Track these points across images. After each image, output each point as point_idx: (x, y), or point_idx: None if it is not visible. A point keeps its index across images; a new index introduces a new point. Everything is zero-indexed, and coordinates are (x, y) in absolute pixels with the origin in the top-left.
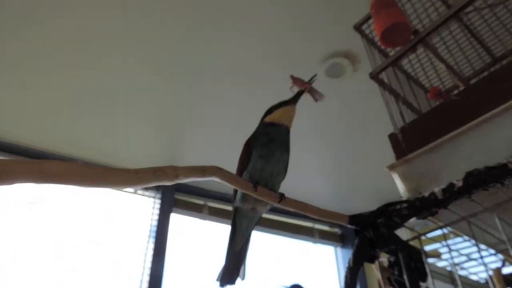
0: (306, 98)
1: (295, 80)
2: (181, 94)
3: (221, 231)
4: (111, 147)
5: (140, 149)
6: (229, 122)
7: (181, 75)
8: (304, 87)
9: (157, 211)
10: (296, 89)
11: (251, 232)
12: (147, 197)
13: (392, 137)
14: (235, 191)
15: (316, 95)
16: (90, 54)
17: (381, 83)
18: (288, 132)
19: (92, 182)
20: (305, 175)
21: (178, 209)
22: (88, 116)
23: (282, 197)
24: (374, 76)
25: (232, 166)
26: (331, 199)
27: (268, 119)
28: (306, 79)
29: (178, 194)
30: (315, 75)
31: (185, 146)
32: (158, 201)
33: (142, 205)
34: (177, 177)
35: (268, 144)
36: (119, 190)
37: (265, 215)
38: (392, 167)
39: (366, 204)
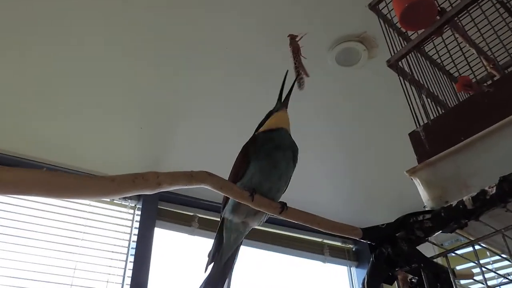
0: (310, 91)
1: (293, 38)
2: (166, 85)
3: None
4: (84, 150)
5: (118, 152)
6: (223, 120)
7: (166, 62)
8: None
9: (137, 224)
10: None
11: (239, 246)
12: (126, 208)
13: (413, 136)
14: (225, 199)
15: (302, 72)
16: (64, 38)
17: (401, 72)
18: (289, 134)
19: (60, 192)
20: (313, 182)
21: (162, 222)
22: (57, 114)
23: (284, 207)
24: (393, 64)
25: (225, 171)
26: (344, 210)
27: (263, 128)
28: (314, 68)
29: (163, 203)
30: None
31: (171, 148)
32: (139, 212)
33: (120, 217)
34: (159, 184)
35: (273, 153)
36: (92, 201)
37: (266, 228)
38: (413, 172)
39: (385, 215)
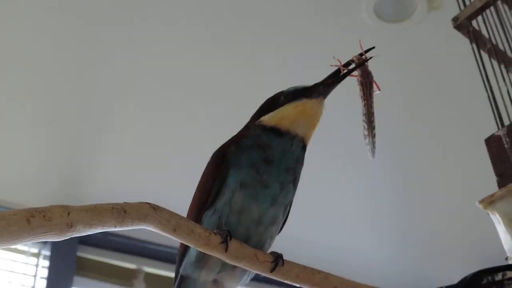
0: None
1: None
2: (89, 66)
3: None
4: None
5: (18, 174)
6: (180, 121)
7: (90, 28)
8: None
9: (43, 283)
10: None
11: None
12: (24, 255)
13: (492, 143)
14: (184, 246)
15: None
16: None
17: (475, 37)
18: (303, 148)
19: None
20: (344, 218)
21: (85, 279)
22: None
23: (277, 261)
24: (462, 24)
25: (182, 202)
26: (392, 262)
27: (268, 119)
28: (341, 25)
29: (85, 249)
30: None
31: (94, 168)
32: (46, 262)
33: (15, 271)
34: (70, 227)
35: (262, 165)
36: None
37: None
38: (489, 202)
39: (452, 270)
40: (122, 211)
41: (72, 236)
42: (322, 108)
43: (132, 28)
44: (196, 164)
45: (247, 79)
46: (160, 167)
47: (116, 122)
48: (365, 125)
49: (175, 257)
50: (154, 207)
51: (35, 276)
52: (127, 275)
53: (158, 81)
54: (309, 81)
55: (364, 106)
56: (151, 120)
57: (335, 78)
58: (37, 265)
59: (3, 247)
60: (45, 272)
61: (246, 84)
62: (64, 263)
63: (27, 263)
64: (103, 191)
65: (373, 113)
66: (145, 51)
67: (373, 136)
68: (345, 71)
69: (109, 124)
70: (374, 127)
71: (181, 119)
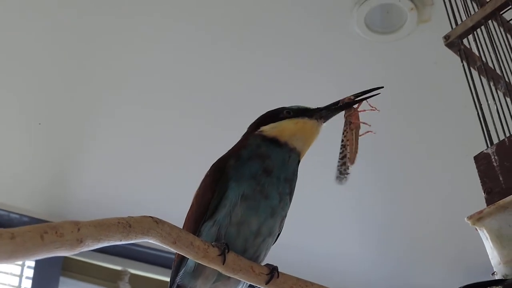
0: (323, 76)
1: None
2: (81, 65)
3: None
4: None
5: (5, 174)
6: (170, 121)
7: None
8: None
9: (28, 284)
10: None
11: None
12: None
13: (480, 160)
14: (180, 257)
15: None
16: None
17: (466, 55)
18: (298, 162)
19: None
20: (331, 225)
21: (71, 280)
22: None
23: (273, 273)
24: (453, 43)
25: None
26: (378, 267)
27: (269, 129)
28: (331, 37)
29: None
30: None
31: (83, 168)
32: (31, 264)
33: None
34: (81, 242)
35: (262, 176)
36: None
37: None
38: (477, 219)
39: (437, 276)
40: (127, 226)
41: (81, 251)
42: (320, 130)
43: (128, 27)
44: (184, 163)
45: (242, 79)
46: (148, 167)
47: (105, 122)
48: (339, 154)
49: (161, 259)
50: (157, 221)
51: (20, 276)
52: (112, 277)
53: (150, 83)
54: (297, 89)
55: (344, 137)
56: (141, 121)
57: (337, 107)
58: (22, 265)
59: (18, 261)
60: (30, 272)
61: (242, 85)
62: (50, 264)
63: (13, 263)
64: (89, 190)
65: (345, 145)
66: (139, 52)
67: (342, 165)
68: (346, 102)
69: (98, 124)
70: (344, 157)
71: (171, 119)
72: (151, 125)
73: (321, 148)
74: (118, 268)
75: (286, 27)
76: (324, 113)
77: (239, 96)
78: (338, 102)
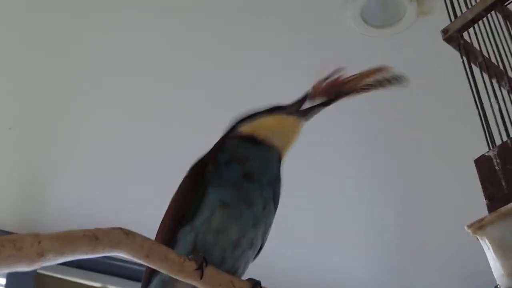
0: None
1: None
2: (57, 68)
3: None
4: None
5: None
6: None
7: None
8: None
9: None
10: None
11: None
12: None
13: (481, 164)
14: (150, 271)
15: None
16: None
17: (466, 50)
18: (280, 161)
19: None
20: (325, 236)
21: None
22: None
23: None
24: (452, 37)
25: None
26: (369, 274)
27: (245, 127)
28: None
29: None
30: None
31: (55, 184)
32: (2, 279)
33: None
34: (41, 256)
35: (242, 181)
36: None
37: None
38: (478, 227)
39: (435, 278)
40: (94, 238)
41: (42, 266)
42: (301, 128)
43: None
44: (165, 170)
45: (233, 80)
46: (127, 172)
47: (78, 126)
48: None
49: (142, 274)
50: (127, 233)
51: None
52: None
53: (128, 96)
54: (294, 84)
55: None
56: (117, 126)
57: (321, 103)
58: None
59: None
60: None
61: (231, 84)
62: (21, 281)
63: None
64: (65, 198)
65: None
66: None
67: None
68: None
69: (72, 128)
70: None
71: (151, 125)
72: (129, 131)
73: (311, 153)
74: (97, 285)
75: (276, 25)
76: (304, 111)
77: (226, 97)
78: (305, 95)
